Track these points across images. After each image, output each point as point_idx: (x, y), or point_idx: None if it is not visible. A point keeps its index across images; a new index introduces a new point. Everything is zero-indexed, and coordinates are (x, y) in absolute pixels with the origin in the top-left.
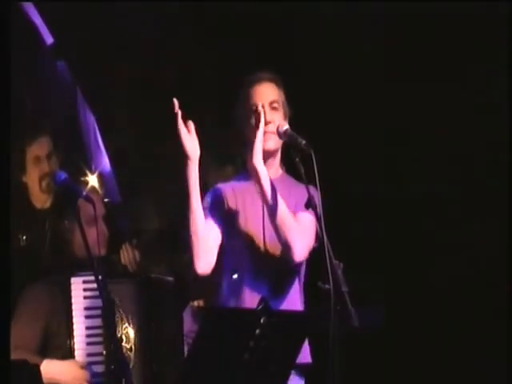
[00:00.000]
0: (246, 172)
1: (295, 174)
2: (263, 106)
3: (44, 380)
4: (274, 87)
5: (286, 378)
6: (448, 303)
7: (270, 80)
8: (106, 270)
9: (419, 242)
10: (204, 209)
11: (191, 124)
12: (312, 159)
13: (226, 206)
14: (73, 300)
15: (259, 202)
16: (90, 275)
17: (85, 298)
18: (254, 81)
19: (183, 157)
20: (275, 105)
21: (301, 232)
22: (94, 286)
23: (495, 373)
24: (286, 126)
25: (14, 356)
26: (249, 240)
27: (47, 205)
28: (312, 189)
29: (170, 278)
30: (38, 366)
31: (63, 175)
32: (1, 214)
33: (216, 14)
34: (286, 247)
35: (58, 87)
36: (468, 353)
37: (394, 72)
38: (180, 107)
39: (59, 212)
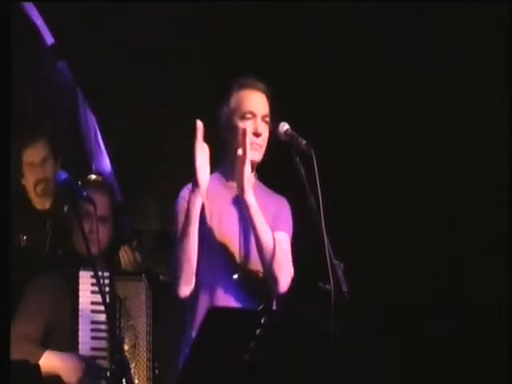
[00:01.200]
0: (221, 169)
1: (267, 180)
2: (255, 116)
3: (45, 370)
4: (266, 100)
5: (287, 378)
6: (448, 303)
7: (263, 91)
8: (112, 268)
9: (419, 241)
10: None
11: (207, 149)
12: (313, 159)
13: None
14: (80, 293)
15: (235, 212)
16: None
17: (92, 292)
18: (247, 86)
19: (193, 182)
20: (267, 119)
21: (284, 261)
22: (102, 281)
23: (495, 372)
24: (287, 126)
25: (15, 347)
26: (224, 251)
27: (47, 206)
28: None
29: None
30: (37, 366)
31: (64, 175)
32: (1, 214)
33: (216, 14)
34: (272, 279)
35: (59, 87)
36: (468, 353)
37: (393, 72)
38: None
39: (60, 212)
